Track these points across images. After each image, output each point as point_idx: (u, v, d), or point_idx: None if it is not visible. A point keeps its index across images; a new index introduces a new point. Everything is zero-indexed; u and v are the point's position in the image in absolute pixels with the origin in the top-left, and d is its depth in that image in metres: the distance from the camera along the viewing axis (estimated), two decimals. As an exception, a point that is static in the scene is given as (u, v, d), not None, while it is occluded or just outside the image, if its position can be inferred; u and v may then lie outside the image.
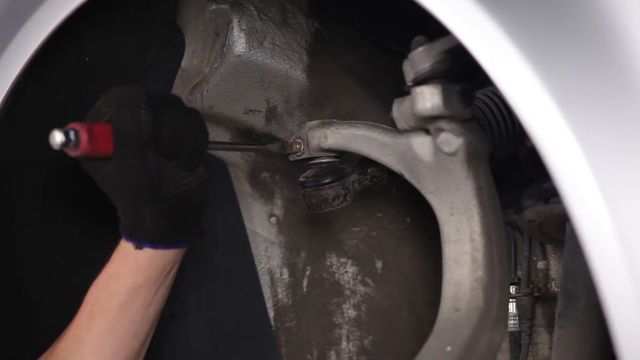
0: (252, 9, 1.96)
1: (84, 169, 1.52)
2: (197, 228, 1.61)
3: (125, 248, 1.56)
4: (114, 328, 1.58)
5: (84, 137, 1.41)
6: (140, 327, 1.60)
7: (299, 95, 2.03)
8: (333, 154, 1.76)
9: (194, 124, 1.57)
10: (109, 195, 1.55)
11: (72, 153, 1.43)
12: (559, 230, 1.78)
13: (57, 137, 1.40)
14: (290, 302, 2.27)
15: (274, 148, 1.81)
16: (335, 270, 2.26)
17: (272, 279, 2.26)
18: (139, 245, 1.54)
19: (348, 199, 1.76)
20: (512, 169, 1.76)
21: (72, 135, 1.41)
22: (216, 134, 2.04)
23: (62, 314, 1.66)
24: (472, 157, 1.46)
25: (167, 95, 1.59)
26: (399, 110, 1.53)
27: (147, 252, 1.55)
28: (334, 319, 2.27)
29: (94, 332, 1.58)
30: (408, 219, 2.20)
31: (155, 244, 1.55)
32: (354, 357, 2.27)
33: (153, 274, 1.57)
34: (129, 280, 1.57)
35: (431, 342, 1.47)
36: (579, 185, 1.03)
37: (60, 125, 1.42)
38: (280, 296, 2.26)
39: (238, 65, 1.96)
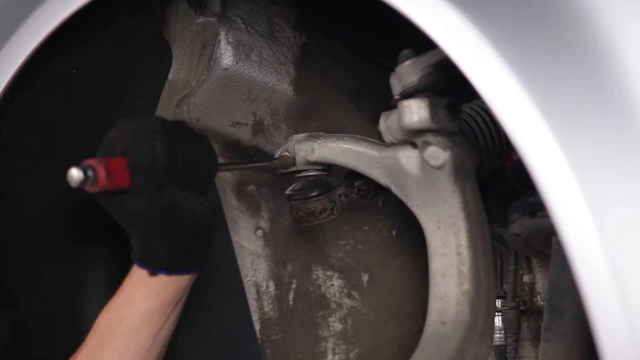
0: (240, 22, 1.96)
1: (98, 201, 1.51)
2: (209, 252, 1.61)
3: (138, 274, 1.55)
4: (124, 353, 1.57)
5: (101, 173, 1.40)
6: (150, 353, 1.59)
7: (286, 108, 2.04)
8: (320, 167, 1.76)
9: (204, 150, 1.57)
10: (123, 226, 1.54)
11: (90, 189, 1.42)
12: (545, 244, 1.79)
13: (76, 175, 1.38)
14: (276, 315, 2.26)
15: (278, 164, 1.80)
16: (322, 283, 2.25)
17: (258, 291, 2.26)
18: (153, 272, 1.53)
19: (335, 212, 1.76)
20: (498, 182, 1.76)
21: (90, 172, 1.39)
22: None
23: (50, 326, 1.65)
24: (458, 171, 1.46)
25: (176, 122, 1.58)
26: (386, 123, 1.53)
27: (161, 279, 1.54)
28: (320, 332, 2.27)
29: (103, 356, 1.57)
30: (394, 232, 2.20)
31: (170, 270, 1.54)
32: (340, 371, 2.27)
33: (166, 300, 1.56)
34: (141, 306, 1.55)
35: (417, 356, 1.47)
36: (565, 198, 1.04)
37: (50, 138, 1.41)
38: (266, 309, 2.26)
39: (225, 78, 1.96)
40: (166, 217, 1.49)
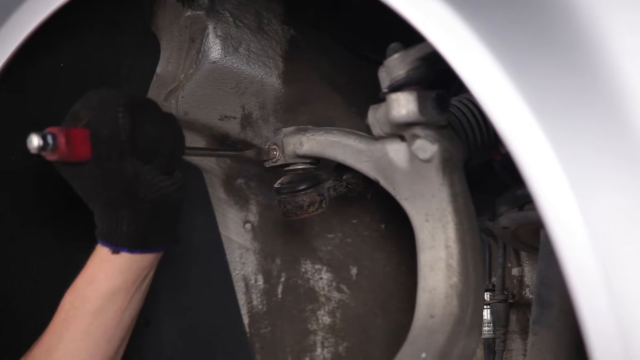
0: (228, 15, 1.96)
1: (61, 174, 1.52)
2: (173, 232, 1.61)
3: (101, 253, 1.56)
4: (88, 333, 1.57)
5: (61, 140, 1.41)
6: (115, 333, 1.60)
7: (274, 102, 2.03)
8: (308, 161, 1.76)
9: (170, 128, 1.58)
10: (85, 200, 1.54)
11: (50, 157, 1.43)
12: (533, 237, 1.79)
13: (35, 141, 1.40)
14: (265, 308, 2.26)
15: (250, 154, 1.81)
16: (310, 277, 2.25)
17: (246, 285, 2.26)
18: (115, 250, 1.54)
19: (323, 205, 1.76)
20: (487, 175, 1.76)
21: (49, 139, 1.40)
22: (191, 140, 2.04)
23: (38, 323, 1.65)
24: (447, 164, 1.47)
25: (143, 99, 1.59)
26: (375, 116, 1.53)
27: (124, 257, 1.55)
28: (309, 326, 2.27)
29: (68, 337, 1.57)
30: (383, 226, 2.20)
31: (132, 248, 1.54)
32: (329, 364, 2.27)
33: (129, 279, 1.57)
34: (104, 285, 1.56)
35: (406, 349, 1.47)
36: (552, 191, 1.04)
37: (36, 130, 1.42)
38: (255, 302, 2.26)
39: (213, 72, 1.96)
40: (127, 188, 1.49)
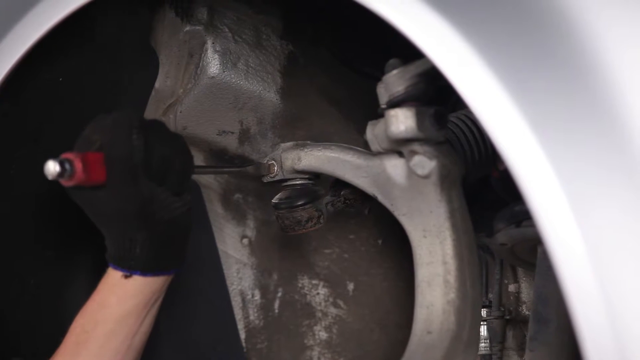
0: (226, 30, 1.96)
1: (74, 199, 1.51)
2: (183, 255, 1.61)
3: (113, 276, 1.55)
4: (99, 357, 1.56)
5: (78, 166, 1.40)
6: (125, 356, 1.59)
7: (272, 117, 2.03)
8: (307, 176, 1.76)
9: (180, 148, 1.57)
10: (98, 224, 1.54)
11: (67, 183, 1.42)
12: (530, 254, 1.79)
13: (52, 168, 1.38)
14: (261, 323, 2.26)
15: (251, 170, 1.81)
16: (307, 292, 2.25)
17: (243, 300, 2.25)
18: (128, 274, 1.53)
19: (321, 221, 1.76)
20: (485, 191, 1.76)
21: (67, 165, 1.39)
22: (189, 154, 2.05)
23: (34, 336, 1.64)
24: (445, 180, 1.47)
25: (154, 121, 1.58)
26: (373, 132, 1.53)
27: (136, 280, 1.54)
28: (306, 341, 2.27)
29: None
30: (380, 241, 2.20)
31: (144, 271, 1.54)
32: (325, 380, 2.27)
33: (141, 302, 1.56)
34: (116, 309, 1.56)
35: (403, 365, 1.48)
36: (551, 207, 1.04)
37: (36, 147, 1.42)
38: (251, 317, 2.25)
39: (212, 87, 1.96)
40: (142, 210, 1.49)
